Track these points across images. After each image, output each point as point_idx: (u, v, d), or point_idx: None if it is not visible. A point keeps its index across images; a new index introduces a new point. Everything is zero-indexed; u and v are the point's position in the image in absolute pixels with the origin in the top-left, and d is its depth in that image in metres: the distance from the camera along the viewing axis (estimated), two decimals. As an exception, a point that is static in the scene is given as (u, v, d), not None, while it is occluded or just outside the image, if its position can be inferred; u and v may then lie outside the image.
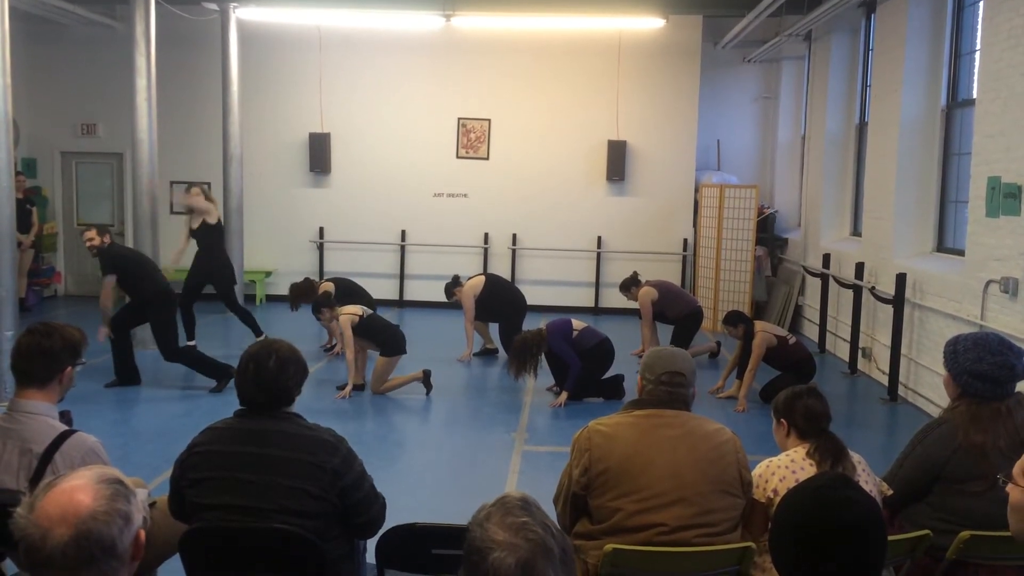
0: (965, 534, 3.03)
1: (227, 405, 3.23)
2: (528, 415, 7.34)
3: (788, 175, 13.06)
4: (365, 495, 2.94)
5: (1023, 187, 6.18)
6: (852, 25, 10.66)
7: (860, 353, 9.16)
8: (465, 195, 12.71)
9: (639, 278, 9.63)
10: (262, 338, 8.64)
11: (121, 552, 1.70)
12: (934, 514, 3.24)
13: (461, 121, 12.62)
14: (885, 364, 8.31)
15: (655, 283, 9.48)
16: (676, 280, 12.00)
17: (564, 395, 7.58)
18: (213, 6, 11.21)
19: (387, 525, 2.95)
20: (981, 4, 7.26)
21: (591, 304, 12.67)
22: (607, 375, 7.85)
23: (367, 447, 5.86)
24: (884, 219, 8.91)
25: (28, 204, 11.45)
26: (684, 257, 12.61)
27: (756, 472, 3.15)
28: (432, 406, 7.65)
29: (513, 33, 12.22)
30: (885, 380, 8.26)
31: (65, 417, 3.14)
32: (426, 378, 7.84)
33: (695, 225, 12.37)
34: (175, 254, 9.58)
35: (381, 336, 7.78)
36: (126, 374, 7.87)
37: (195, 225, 9.31)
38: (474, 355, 9.39)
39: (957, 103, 8.27)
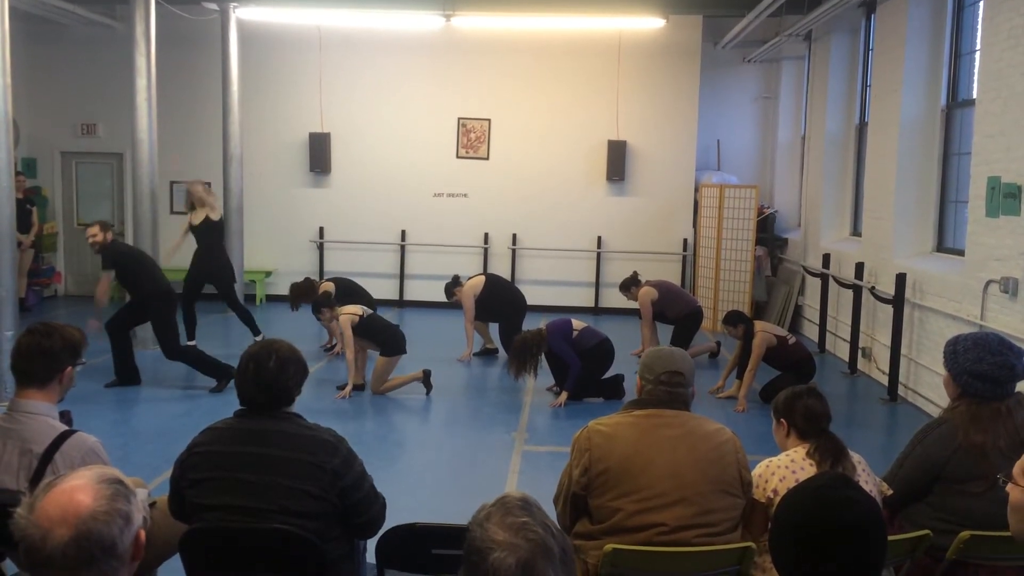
0: (965, 534, 3.03)
1: (227, 405, 3.23)
2: (528, 415, 7.34)
3: (788, 175, 13.06)
4: (365, 495, 2.94)
5: (1023, 187, 6.18)
6: (852, 25, 10.66)
7: (860, 353, 9.16)
8: (465, 195, 12.71)
9: (639, 278, 9.63)
10: (259, 338, 8.71)
11: (121, 552, 1.70)
12: (934, 514, 3.24)
13: (461, 121, 12.62)
14: (885, 364, 8.31)
15: (655, 283, 9.48)
16: (676, 280, 12.00)
17: (564, 395, 7.58)
18: (213, 6, 11.21)
19: (387, 525, 2.95)
20: (981, 4, 7.26)
21: (591, 304, 12.67)
22: (607, 375, 7.86)
23: (367, 447, 5.86)
24: (884, 219, 8.91)
25: (28, 204, 11.45)
26: (684, 257, 12.62)
27: (756, 472, 3.15)
28: (432, 406, 7.65)
29: (513, 33, 12.22)
30: (885, 380, 8.26)
31: (65, 417, 3.14)
32: (426, 378, 7.84)
33: (695, 225, 12.38)
34: (169, 250, 9.58)
35: (381, 336, 7.78)
36: (126, 374, 7.87)
37: (197, 221, 9.30)
38: (474, 355, 9.39)
39: (957, 103, 8.27)
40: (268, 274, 12.80)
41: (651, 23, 11.54)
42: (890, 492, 3.33)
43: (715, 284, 11.72)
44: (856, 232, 10.55)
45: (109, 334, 7.77)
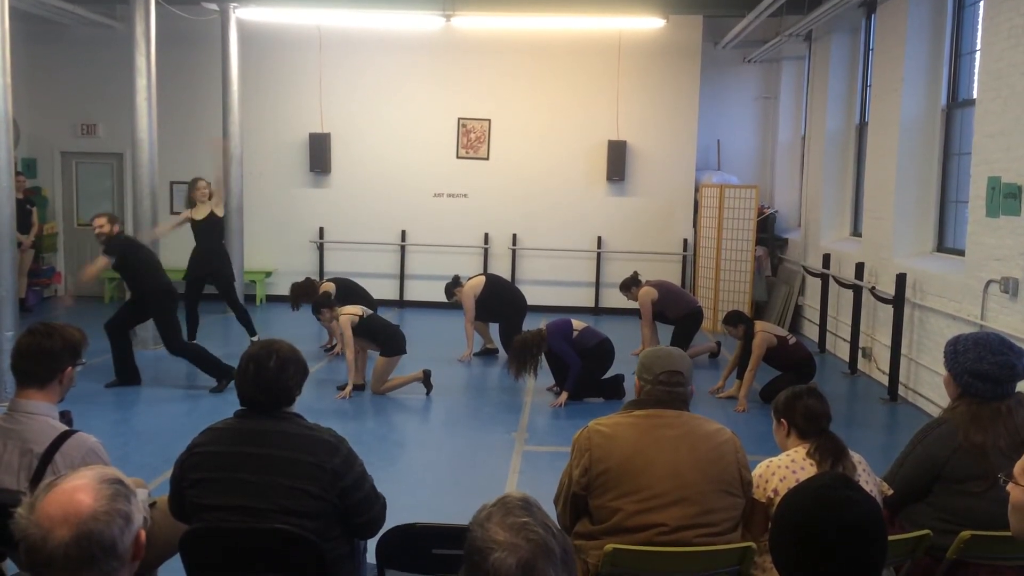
0: (965, 534, 3.03)
1: (227, 405, 3.24)
2: (528, 415, 7.34)
3: (788, 175, 13.06)
4: (365, 495, 2.94)
5: (1023, 187, 6.18)
6: (852, 25, 10.66)
7: (860, 353, 9.16)
8: (465, 195, 12.71)
9: (639, 278, 9.64)
10: (256, 339, 8.72)
11: (122, 552, 1.70)
12: (934, 514, 3.24)
13: (461, 121, 12.62)
14: (885, 364, 8.31)
15: (655, 283, 9.48)
16: (676, 280, 12.00)
17: (564, 395, 7.58)
18: (213, 6, 11.20)
19: (387, 525, 2.95)
20: (981, 4, 7.26)
21: (591, 304, 12.67)
22: (607, 375, 7.86)
23: (367, 447, 5.86)
24: (884, 219, 8.91)
25: (28, 204, 11.45)
26: (684, 257, 12.62)
27: (756, 472, 3.15)
28: (432, 406, 7.65)
29: (513, 33, 12.22)
30: (885, 380, 8.26)
31: (65, 417, 3.14)
32: (426, 378, 7.84)
33: (695, 225, 12.38)
34: (163, 227, 9.60)
35: (381, 336, 7.78)
36: (126, 374, 7.88)
37: (200, 216, 9.28)
38: (474, 355, 9.39)
39: (957, 103, 8.27)
40: (268, 274, 12.80)
41: (651, 23, 11.54)
42: (890, 492, 3.33)
43: (715, 284, 11.72)
44: (856, 232, 10.55)
45: (109, 334, 7.77)
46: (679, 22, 11.98)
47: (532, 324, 8.49)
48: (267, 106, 12.50)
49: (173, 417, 7.07)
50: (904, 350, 8.05)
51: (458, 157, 12.67)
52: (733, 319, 7.99)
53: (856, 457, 3.18)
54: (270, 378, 2.87)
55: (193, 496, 2.83)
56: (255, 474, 2.77)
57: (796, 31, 10.98)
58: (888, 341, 8.20)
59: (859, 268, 9.12)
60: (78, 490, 1.68)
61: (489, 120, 12.59)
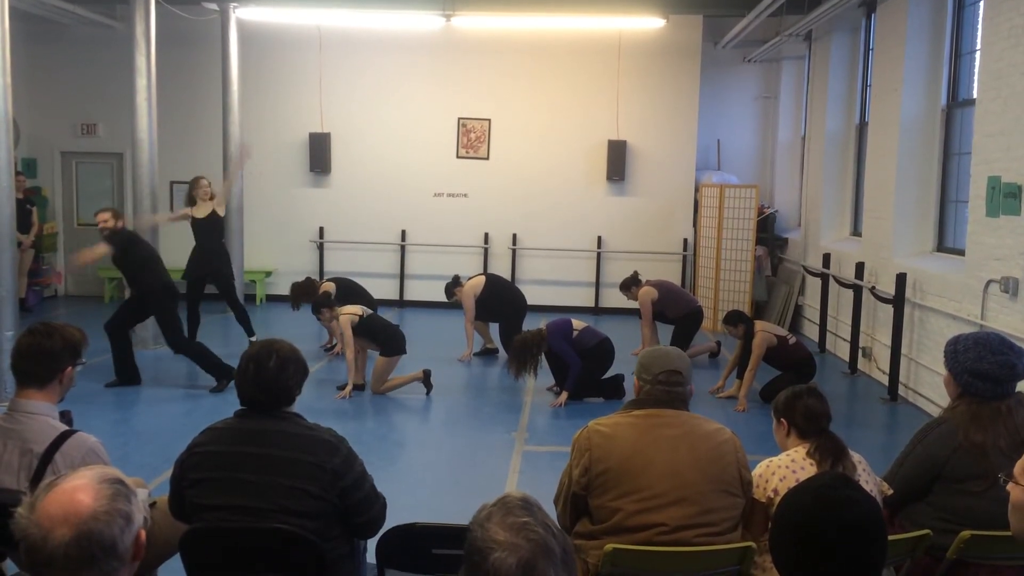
0: (965, 534, 3.03)
1: (228, 405, 3.24)
2: (528, 415, 7.34)
3: (788, 175, 13.06)
4: (366, 495, 2.94)
5: (1023, 187, 6.18)
6: (852, 25, 10.66)
7: (860, 353, 9.16)
8: (465, 195, 12.71)
9: (639, 278, 9.64)
10: (253, 339, 8.72)
11: (122, 552, 1.70)
12: (934, 514, 3.24)
13: (461, 121, 12.62)
14: (885, 364, 8.31)
15: (655, 283, 9.48)
16: (676, 280, 12.00)
17: (564, 395, 7.58)
18: (213, 6, 11.21)
19: (387, 525, 2.95)
20: (981, 3, 7.26)
21: (591, 304, 12.67)
22: (607, 375, 7.85)
23: (367, 447, 5.86)
24: (884, 219, 8.91)
25: (28, 204, 11.45)
26: (684, 257, 12.62)
27: (756, 472, 3.15)
28: (432, 406, 7.65)
29: (513, 33, 12.22)
30: (885, 380, 8.26)
31: (65, 417, 3.14)
32: (426, 378, 7.84)
33: (695, 225, 12.38)
34: (162, 216, 9.61)
35: (381, 336, 7.78)
36: (126, 374, 7.87)
37: (202, 214, 9.27)
38: (474, 355, 9.39)
39: (957, 103, 8.27)
40: (268, 274, 12.80)
41: (651, 23, 11.54)
42: (890, 492, 3.33)
43: (715, 284, 11.72)
44: (856, 232, 10.55)
45: (109, 334, 7.77)
46: (679, 22, 11.98)
47: (532, 324, 8.49)
48: (267, 106, 12.50)
49: (173, 417, 7.07)
50: (904, 350, 8.05)
51: (458, 157, 12.67)
52: (733, 319, 7.99)
53: (856, 457, 3.18)
54: (270, 378, 2.87)
55: (193, 496, 2.83)
56: (255, 474, 2.77)
57: (796, 31, 10.98)
58: (888, 341, 8.20)
59: (859, 268, 9.12)
60: (78, 490, 1.68)
61: (489, 120, 12.59)
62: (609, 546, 2.82)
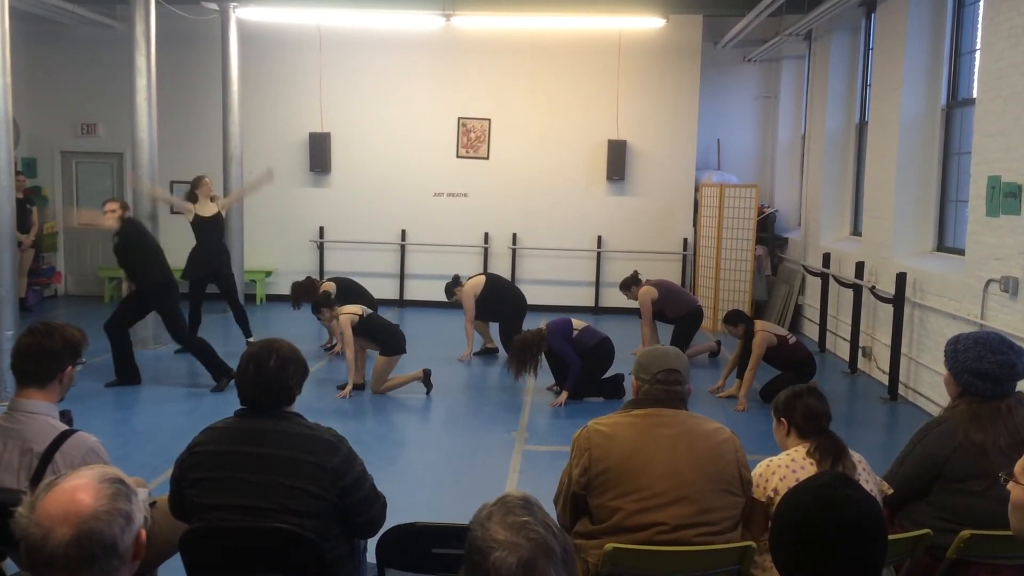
0: (965, 533, 3.03)
1: (228, 404, 3.24)
2: (528, 414, 7.34)
3: (788, 175, 13.06)
4: (366, 495, 2.94)
5: (1023, 186, 6.18)
6: (852, 24, 10.66)
7: (860, 352, 9.16)
8: (465, 195, 12.71)
9: (639, 277, 9.64)
10: (251, 340, 8.72)
11: (122, 551, 1.70)
12: (934, 513, 3.24)
13: (461, 121, 12.62)
14: (885, 363, 8.31)
15: (655, 282, 9.49)
16: (676, 279, 12.00)
17: (564, 394, 7.58)
18: (213, 6, 11.20)
19: (387, 524, 2.95)
20: (981, 3, 7.26)
21: (591, 304, 12.67)
22: (607, 374, 7.85)
23: (367, 446, 5.86)
24: (884, 218, 8.91)
25: (28, 204, 11.45)
26: (684, 256, 12.62)
27: (756, 471, 3.15)
28: (432, 406, 7.65)
29: (513, 33, 12.22)
30: (885, 379, 8.26)
31: (65, 416, 3.14)
32: (426, 377, 7.84)
33: (695, 225, 12.38)
34: (163, 192, 9.62)
35: (381, 335, 7.78)
36: (126, 374, 7.87)
37: (209, 213, 9.25)
38: (474, 354, 9.39)
39: (957, 102, 8.27)
40: (268, 274, 12.80)
41: (651, 23, 11.54)
42: (890, 491, 3.33)
43: (715, 284, 11.72)
44: (856, 231, 10.55)
45: (109, 334, 7.77)
46: (679, 22, 11.98)
47: (532, 323, 8.49)
48: (267, 106, 12.50)
49: (173, 416, 7.07)
50: (904, 349, 8.05)
51: (458, 157, 12.67)
52: (733, 318, 7.99)
53: (856, 456, 3.18)
54: (270, 377, 2.88)
55: (193, 495, 2.83)
56: (255, 473, 2.77)
57: (796, 30, 10.98)
58: (888, 340, 8.20)
59: (859, 267, 9.12)
60: (79, 489, 1.68)
61: (489, 120, 12.59)
62: (609, 545, 2.82)
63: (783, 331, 8.07)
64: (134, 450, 6.12)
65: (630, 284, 9.60)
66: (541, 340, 7.61)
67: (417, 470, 6.02)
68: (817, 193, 11.26)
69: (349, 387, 7.70)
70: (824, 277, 10.28)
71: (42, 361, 3.01)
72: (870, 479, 3.16)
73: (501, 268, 12.39)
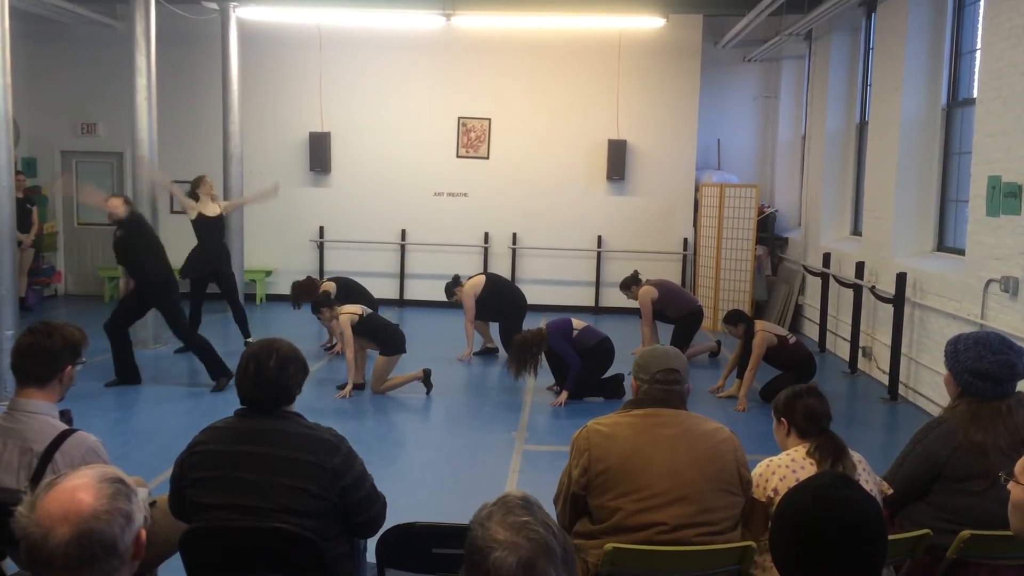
0: (965, 533, 3.02)
1: (228, 404, 3.24)
2: (528, 414, 7.34)
3: (788, 175, 13.06)
4: (366, 495, 2.94)
5: (1023, 186, 6.18)
6: (852, 24, 10.66)
7: (860, 352, 9.16)
8: (465, 194, 12.72)
9: (639, 277, 9.64)
10: (250, 340, 8.72)
11: (122, 551, 1.70)
12: (934, 513, 3.24)
13: (461, 121, 12.62)
14: (885, 363, 8.31)
15: (655, 282, 9.48)
16: (676, 279, 12.00)
17: (564, 394, 7.58)
18: (213, 6, 11.20)
19: (387, 524, 2.95)
20: (982, 3, 7.26)
21: (591, 303, 12.67)
22: (607, 374, 7.85)
23: (367, 446, 5.86)
24: (884, 218, 8.91)
25: (28, 204, 11.45)
26: (684, 256, 12.62)
27: (756, 471, 3.15)
28: (432, 405, 7.65)
29: (513, 33, 12.22)
30: (885, 379, 8.26)
31: (65, 416, 3.14)
32: (426, 377, 7.84)
33: (695, 224, 12.38)
34: (166, 179, 9.63)
35: (381, 335, 7.78)
36: (126, 373, 7.87)
37: (213, 213, 9.25)
38: (474, 354, 9.39)
39: (957, 102, 8.27)
40: (268, 273, 12.81)
41: (651, 22, 11.53)
42: (890, 491, 3.32)
43: (715, 283, 11.72)
44: (856, 231, 10.55)
45: (108, 333, 7.77)
46: (679, 21, 11.98)
47: (532, 323, 8.49)
48: (267, 106, 12.50)
49: (173, 416, 7.06)
50: (904, 349, 8.05)
51: (458, 156, 12.67)
52: (733, 318, 7.99)
53: (856, 456, 3.18)
54: (270, 377, 2.87)
55: (193, 495, 2.83)
56: (255, 473, 2.77)
57: (796, 30, 10.98)
58: (888, 340, 8.20)
59: (859, 267, 9.12)
60: (79, 489, 1.68)
61: (489, 119, 12.59)
62: (609, 545, 2.82)
63: (783, 331, 8.07)
64: (134, 450, 6.12)
65: (630, 284, 9.60)
66: (541, 340, 7.61)
67: (417, 470, 6.01)
68: (817, 193, 11.26)
69: (349, 387, 7.70)
70: (824, 277, 10.28)
71: (42, 361, 3.01)
72: (870, 479, 3.16)
73: (501, 268, 12.39)
